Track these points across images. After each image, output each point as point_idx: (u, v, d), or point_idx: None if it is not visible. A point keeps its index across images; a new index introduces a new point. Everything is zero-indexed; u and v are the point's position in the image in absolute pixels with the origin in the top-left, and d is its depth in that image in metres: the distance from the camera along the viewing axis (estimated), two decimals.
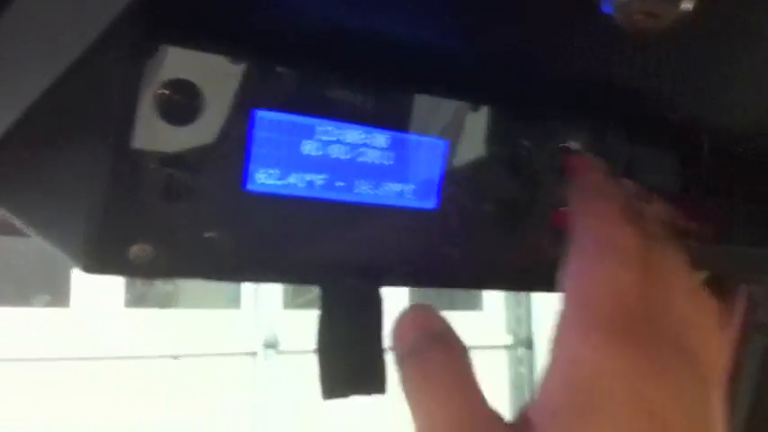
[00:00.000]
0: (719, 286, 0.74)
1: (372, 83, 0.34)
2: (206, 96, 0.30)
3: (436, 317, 0.34)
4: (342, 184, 0.34)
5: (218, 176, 0.31)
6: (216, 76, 0.30)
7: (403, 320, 0.34)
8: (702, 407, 0.30)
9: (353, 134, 0.34)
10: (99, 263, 0.30)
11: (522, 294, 3.25)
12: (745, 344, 0.73)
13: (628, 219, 0.33)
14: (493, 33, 0.33)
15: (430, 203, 0.36)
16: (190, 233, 0.31)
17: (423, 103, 0.35)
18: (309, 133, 0.33)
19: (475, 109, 0.37)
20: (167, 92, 0.29)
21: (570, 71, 0.37)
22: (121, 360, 2.57)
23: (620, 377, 0.29)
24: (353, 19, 0.31)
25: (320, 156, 0.33)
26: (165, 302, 2.85)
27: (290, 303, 2.94)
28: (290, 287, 2.89)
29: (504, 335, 3.35)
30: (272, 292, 2.85)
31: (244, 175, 0.32)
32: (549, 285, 0.33)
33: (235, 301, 2.89)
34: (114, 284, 2.62)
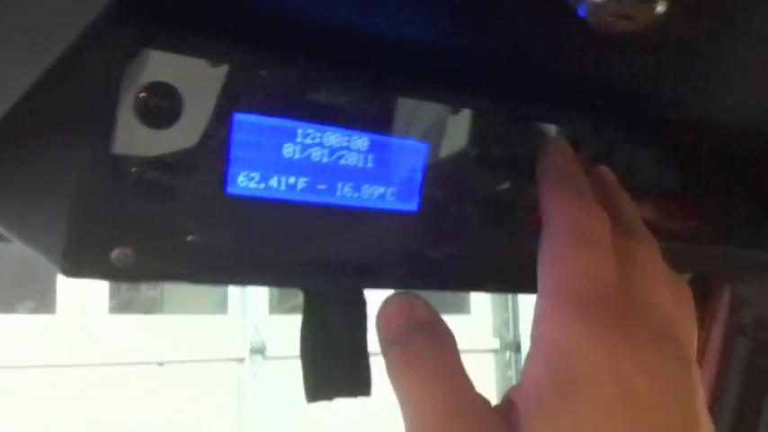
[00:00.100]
0: (704, 286, 0.75)
1: (353, 85, 0.34)
2: (186, 99, 0.30)
3: (421, 304, 0.34)
4: (323, 186, 0.34)
5: (199, 180, 0.31)
6: (196, 79, 0.30)
7: (387, 308, 0.34)
8: (684, 387, 0.30)
9: (334, 137, 0.34)
10: (80, 266, 0.30)
11: (510, 298, 3.26)
12: (729, 345, 0.74)
13: (599, 204, 0.34)
14: (480, 32, 0.33)
15: (411, 206, 0.36)
16: (172, 236, 0.31)
17: (404, 106, 0.35)
18: (290, 136, 0.33)
19: (456, 111, 0.37)
20: (147, 95, 0.29)
21: (562, 71, 0.37)
22: (107, 366, 2.56)
23: (599, 359, 0.29)
24: (334, 20, 0.31)
25: (301, 159, 0.33)
26: (151, 308, 2.84)
27: (277, 308, 2.94)
28: (277, 292, 2.89)
29: (492, 339, 3.36)
30: (259, 297, 2.85)
31: (225, 179, 0.32)
32: (533, 287, 0.33)
33: (221, 307, 2.88)
34: (99, 290, 2.61)
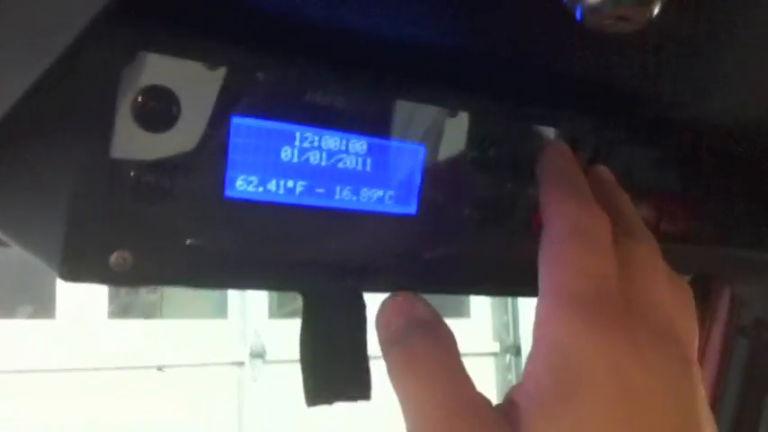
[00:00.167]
0: (704, 286, 0.75)
1: (352, 87, 0.34)
2: (183, 103, 0.30)
3: (420, 304, 0.34)
4: (322, 190, 0.34)
5: (197, 183, 0.31)
6: (193, 82, 0.30)
7: (387, 308, 0.34)
8: (685, 387, 0.30)
9: (332, 140, 0.34)
10: (79, 271, 0.30)
11: (509, 301, 3.26)
12: (729, 345, 0.74)
13: (597, 204, 0.34)
14: (478, 33, 0.33)
15: (410, 209, 0.36)
16: (170, 240, 0.31)
17: (401, 109, 0.35)
18: (288, 140, 0.33)
19: (453, 114, 0.37)
20: (145, 99, 0.29)
21: (560, 71, 0.37)
22: (107, 371, 2.55)
23: (599, 359, 0.29)
24: (333, 21, 0.31)
25: (300, 162, 0.33)
26: (150, 313, 2.84)
27: (276, 313, 2.94)
28: (276, 296, 2.88)
29: (491, 342, 3.35)
30: (259, 301, 2.85)
31: (223, 182, 0.32)
32: (532, 289, 0.33)
33: (221, 311, 2.88)
34: (99, 295, 2.60)
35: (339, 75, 0.34)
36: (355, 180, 0.35)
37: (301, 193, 0.33)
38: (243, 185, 0.32)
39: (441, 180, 0.37)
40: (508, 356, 3.34)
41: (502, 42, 0.34)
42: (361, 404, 0.37)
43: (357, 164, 0.35)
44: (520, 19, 0.31)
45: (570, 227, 0.33)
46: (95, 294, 2.57)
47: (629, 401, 0.28)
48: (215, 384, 2.76)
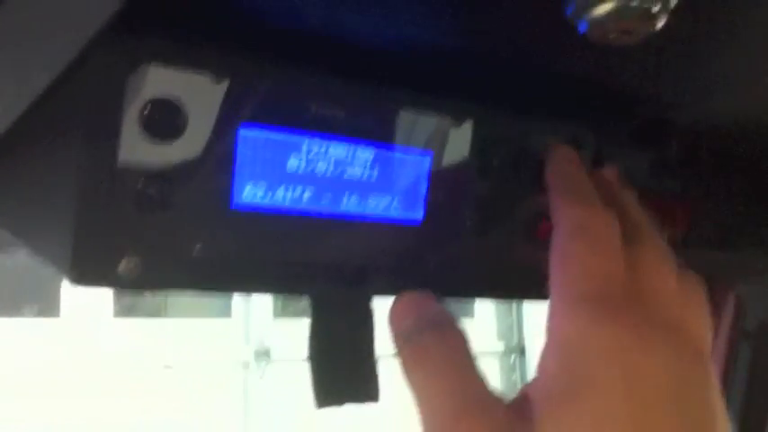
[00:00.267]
0: (708, 290, 0.75)
1: (355, 98, 0.34)
2: (190, 113, 0.30)
3: (430, 301, 0.35)
4: (328, 198, 0.34)
5: (205, 192, 0.31)
6: (199, 93, 0.31)
7: (398, 307, 0.35)
8: (697, 380, 0.30)
9: (338, 149, 0.34)
10: (88, 276, 0.30)
11: (515, 302, 3.26)
12: (734, 349, 0.74)
13: (603, 203, 0.34)
14: (480, 40, 0.33)
15: (416, 215, 0.37)
16: (178, 247, 0.32)
17: (407, 118, 0.36)
18: (294, 149, 0.33)
19: (458, 122, 0.37)
20: (151, 109, 0.30)
21: (562, 74, 0.38)
22: (112, 369, 2.56)
23: (609, 355, 0.29)
24: (330, 25, 0.31)
25: (306, 171, 0.33)
26: (155, 312, 2.84)
27: (281, 312, 2.94)
28: (281, 296, 2.88)
29: (496, 342, 3.35)
30: (263, 301, 2.85)
31: (230, 191, 0.32)
32: (537, 294, 0.34)
33: (224, 311, 2.88)
34: (104, 294, 2.61)
35: (343, 84, 0.34)
36: (362, 188, 0.35)
37: (308, 201, 0.34)
38: (250, 194, 0.32)
39: (447, 187, 0.37)
40: (513, 356, 3.34)
41: (502, 44, 0.34)
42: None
43: (364, 172, 0.35)
44: (520, 22, 0.32)
45: (574, 227, 0.33)
46: (101, 294, 2.57)
47: (639, 397, 0.28)
48: (221, 383, 2.77)
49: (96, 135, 0.29)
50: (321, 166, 0.34)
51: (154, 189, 0.30)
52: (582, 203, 0.34)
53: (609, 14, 0.26)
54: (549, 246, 0.34)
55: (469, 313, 3.28)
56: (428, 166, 0.36)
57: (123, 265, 0.31)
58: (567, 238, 0.33)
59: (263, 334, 2.84)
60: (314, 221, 0.34)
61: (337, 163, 0.34)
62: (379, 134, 0.35)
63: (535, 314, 2.88)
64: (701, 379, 0.30)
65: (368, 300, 0.37)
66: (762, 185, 0.52)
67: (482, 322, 3.31)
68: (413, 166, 0.36)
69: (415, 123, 0.36)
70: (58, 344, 2.49)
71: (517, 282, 0.40)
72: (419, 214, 0.37)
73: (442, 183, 0.37)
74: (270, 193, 0.33)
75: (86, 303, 2.57)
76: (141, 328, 2.69)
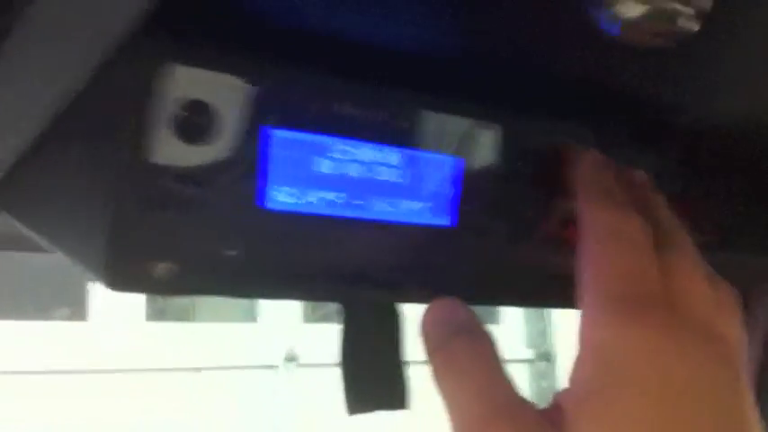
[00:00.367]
0: (741, 297, 0.74)
1: (387, 101, 0.34)
2: (221, 115, 0.31)
3: (461, 308, 0.35)
4: (360, 202, 0.34)
5: (236, 195, 0.32)
6: (230, 95, 0.31)
7: (430, 313, 0.35)
8: (730, 387, 0.30)
9: (369, 152, 0.34)
10: (123, 281, 0.31)
11: (544, 309, 3.24)
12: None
13: (634, 207, 0.34)
14: (498, 36, 0.33)
15: (446, 221, 0.36)
16: (211, 251, 0.32)
17: (438, 121, 0.36)
18: (324, 151, 0.33)
19: (488, 126, 0.37)
20: (183, 111, 0.30)
21: (574, 79, 0.37)
22: (141, 373, 2.58)
23: (643, 359, 0.29)
24: (331, 24, 0.31)
25: (337, 174, 0.34)
26: (182, 316, 2.86)
27: (310, 317, 2.95)
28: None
29: (525, 349, 3.33)
30: (292, 305, 2.86)
31: (261, 194, 0.32)
32: (567, 302, 0.33)
33: (251, 315, 2.89)
34: (133, 298, 2.63)
35: (372, 88, 0.34)
36: (393, 192, 0.35)
37: (339, 204, 0.34)
38: (281, 197, 0.33)
39: (477, 192, 0.37)
40: (541, 363, 3.32)
41: (521, 48, 0.34)
42: None
43: (394, 176, 0.35)
44: (524, 21, 0.31)
45: (607, 231, 0.33)
46: (129, 297, 2.59)
47: (673, 400, 0.28)
48: (249, 387, 2.77)
49: (130, 138, 0.29)
50: (352, 170, 0.34)
51: (187, 191, 0.30)
52: (613, 207, 0.34)
53: (643, 17, 0.25)
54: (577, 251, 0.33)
55: (497, 320, 3.26)
56: (459, 171, 0.36)
57: (158, 270, 0.31)
58: (600, 242, 0.33)
59: (292, 338, 2.84)
60: (345, 225, 0.34)
61: (368, 166, 0.34)
62: (410, 138, 0.35)
63: (564, 322, 2.86)
64: (734, 384, 0.30)
65: (398, 306, 0.37)
66: None
67: (510, 329, 3.29)
68: (444, 171, 0.36)
69: (445, 128, 0.36)
70: (87, 347, 2.51)
71: (549, 288, 0.40)
72: (450, 220, 0.37)
73: (474, 188, 0.37)
74: (301, 196, 0.33)
75: (116, 307, 2.59)
76: (171, 332, 2.71)
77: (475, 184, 0.37)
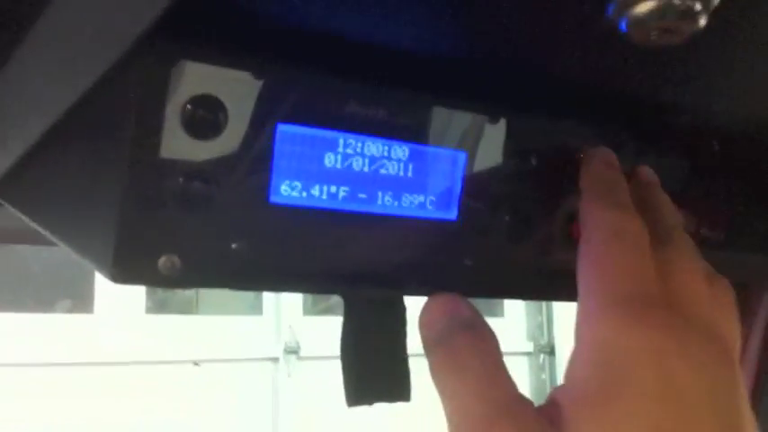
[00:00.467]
0: (742, 292, 0.74)
1: (392, 96, 0.35)
2: (230, 111, 0.31)
3: (462, 304, 0.35)
4: (364, 195, 0.34)
5: (243, 189, 0.32)
6: (239, 90, 0.31)
7: (430, 309, 0.35)
8: (730, 385, 0.30)
9: (375, 147, 0.34)
10: (129, 274, 0.31)
11: (544, 302, 3.24)
12: None
13: (636, 206, 0.34)
14: (503, 36, 0.33)
15: (450, 214, 0.37)
16: (217, 244, 0.32)
17: (442, 116, 0.36)
18: (331, 146, 0.33)
19: (493, 121, 0.37)
20: (192, 107, 0.30)
21: (579, 78, 0.37)
22: (144, 366, 2.58)
23: (646, 358, 0.29)
24: (362, 29, 0.32)
25: (342, 168, 0.34)
26: (186, 309, 2.86)
27: (311, 310, 2.95)
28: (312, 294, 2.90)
29: (525, 342, 3.34)
30: (293, 298, 2.86)
31: (268, 188, 0.32)
32: (569, 295, 0.34)
33: (255, 308, 2.90)
34: (136, 290, 2.63)
35: (378, 84, 0.34)
36: (397, 186, 0.35)
37: (344, 198, 0.34)
38: (287, 191, 0.33)
39: (481, 186, 0.37)
40: (542, 356, 3.33)
41: (535, 48, 0.34)
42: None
43: (399, 170, 0.35)
44: (526, 20, 0.31)
45: (611, 231, 0.33)
46: (133, 290, 2.59)
47: (674, 399, 0.28)
48: (250, 379, 2.78)
49: (139, 133, 0.29)
50: (357, 163, 0.34)
51: (194, 186, 0.31)
52: (617, 207, 0.34)
53: (650, 13, 0.25)
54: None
55: (499, 313, 3.27)
56: (463, 165, 0.36)
57: (164, 263, 0.31)
58: (603, 242, 0.33)
59: (293, 331, 2.85)
60: (349, 218, 0.34)
61: (373, 160, 0.34)
62: (414, 132, 0.35)
63: (565, 314, 2.87)
64: (733, 384, 0.30)
65: (401, 299, 0.37)
66: None
67: (512, 322, 3.30)
68: (448, 165, 0.36)
69: (450, 122, 0.36)
70: (91, 339, 2.52)
71: (551, 282, 0.40)
72: (453, 213, 0.37)
73: (477, 182, 0.37)
74: (307, 190, 0.33)
75: (120, 300, 2.60)
76: (174, 325, 2.71)
77: (478, 178, 0.37)
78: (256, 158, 0.32)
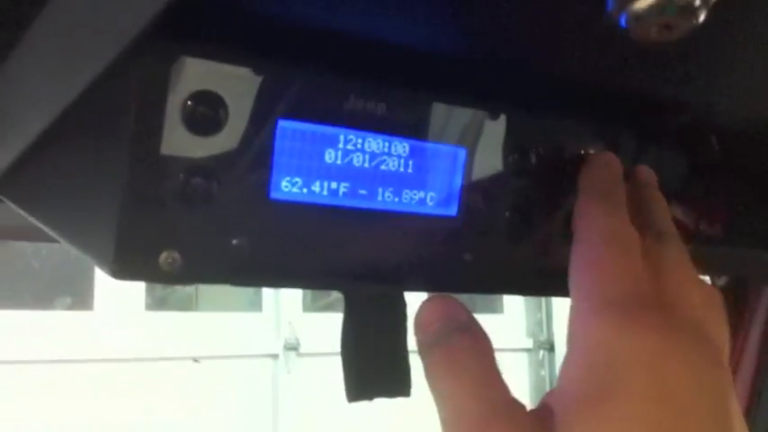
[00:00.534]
0: (741, 289, 0.74)
1: (393, 92, 0.35)
2: (231, 107, 0.31)
3: (458, 306, 0.35)
4: (364, 191, 0.34)
5: (244, 185, 0.32)
6: (240, 87, 0.31)
7: (426, 310, 0.35)
8: (719, 387, 0.30)
9: (375, 143, 0.34)
10: (129, 270, 0.31)
11: (543, 298, 3.25)
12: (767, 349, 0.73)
13: (631, 207, 0.35)
14: (503, 36, 0.34)
15: (450, 210, 0.37)
16: (217, 241, 0.32)
17: (442, 112, 0.36)
18: (332, 142, 0.33)
19: (493, 117, 0.37)
20: (193, 103, 0.30)
21: (580, 77, 0.37)
22: (143, 362, 2.58)
23: (637, 359, 0.29)
24: (362, 27, 0.32)
25: (343, 164, 0.34)
26: (185, 306, 2.86)
27: (310, 306, 2.95)
28: (310, 290, 2.90)
29: (525, 338, 3.34)
30: (293, 295, 2.86)
31: (269, 184, 0.32)
32: (568, 291, 0.34)
33: (255, 305, 2.90)
34: (136, 287, 2.63)
35: (378, 80, 0.34)
36: (397, 182, 0.35)
37: (344, 194, 0.34)
38: (288, 187, 0.33)
39: (481, 182, 0.37)
40: (541, 352, 3.33)
41: (538, 47, 0.34)
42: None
43: (399, 166, 0.35)
44: (526, 19, 0.32)
45: (606, 235, 0.33)
46: (133, 287, 2.60)
47: (667, 401, 0.28)
48: (250, 376, 2.78)
49: (139, 129, 0.29)
50: (358, 159, 0.34)
51: (194, 182, 0.31)
52: (614, 212, 0.35)
53: (650, 8, 0.26)
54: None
55: (499, 309, 3.27)
56: (463, 161, 0.36)
57: (164, 259, 0.31)
58: (597, 244, 0.33)
59: (293, 327, 2.85)
60: (350, 215, 0.34)
61: (373, 156, 0.34)
62: (415, 128, 0.35)
63: (564, 311, 2.87)
64: (725, 384, 0.31)
65: (401, 294, 0.37)
66: None
67: (511, 318, 3.30)
68: (448, 161, 0.36)
69: (450, 119, 0.36)
70: (91, 336, 2.52)
71: (550, 278, 0.40)
72: (453, 209, 0.37)
73: (477, 178, 0.37)
74: (307, 186, 0.33)
75: (120, 296, 2.60)
76: (173, 321, 2.71)
77: (478, 174, 0.37)
78: (257, 154, 0.32)
